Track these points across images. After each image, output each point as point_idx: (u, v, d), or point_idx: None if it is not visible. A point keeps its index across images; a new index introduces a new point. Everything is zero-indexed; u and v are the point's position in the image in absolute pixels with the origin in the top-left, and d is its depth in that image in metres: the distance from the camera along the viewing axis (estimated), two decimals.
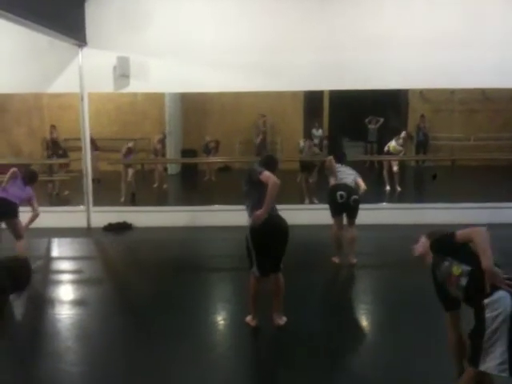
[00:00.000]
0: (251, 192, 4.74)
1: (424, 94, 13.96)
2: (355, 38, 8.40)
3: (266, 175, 4.59)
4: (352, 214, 6.66)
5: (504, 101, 13.38)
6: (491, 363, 3.01)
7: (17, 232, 6.39)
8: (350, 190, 6.55)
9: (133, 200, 10.40)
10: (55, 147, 11.70)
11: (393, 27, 8.37)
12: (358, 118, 13.92)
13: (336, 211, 6.67)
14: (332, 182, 6.75)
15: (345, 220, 6.76)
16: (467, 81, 8.45)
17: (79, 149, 9.16)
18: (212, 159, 12.64)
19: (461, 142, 13.70)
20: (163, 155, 12.46)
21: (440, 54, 8.27)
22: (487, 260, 3.02)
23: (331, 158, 6.95)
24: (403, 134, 11.50)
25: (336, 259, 6.74)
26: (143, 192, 10.92)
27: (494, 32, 8.33)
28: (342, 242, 6.75)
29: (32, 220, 6.57)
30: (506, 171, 12.43)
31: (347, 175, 6.73)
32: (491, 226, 7.96)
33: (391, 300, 5.73)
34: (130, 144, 10.82)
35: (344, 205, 6.55)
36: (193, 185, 12.86)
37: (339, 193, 6.50)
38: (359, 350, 4.73)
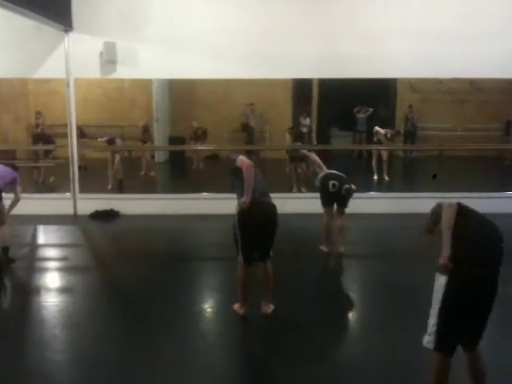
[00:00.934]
0: (236, 182, 4.73)
1: (413, 84, 13.99)
2: (350, 27, 8.35)
3: (240, 159, 4.66)
4: (343, 203, 6.64)
5: (492, 91, 13.44)
6: (425, 337, 3.18)
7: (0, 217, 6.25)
8: (342, 179, 6.54)
9: (120, 187, 10.31)
10: (40, 133, 11.58)
11: (388, 17, 8.34)
12: (346, 108, 13.91)
13: (328, 201, 6.64)
14: (320, 172, 6.72)
15: (334, 209, 6.75)
16: (460, 70, 8.45)
17: (65, 135, 9.05)
18: (200, 147, 12.56)
19: (449, 132, 13.75)
20: (151, 142, 12.35)
21: (433, 44, 8.25)
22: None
23: (312, 153, 6.98)
24: (391, 131, 11.50)
25: (324, 248, 6.73)
26: (130, 179, 10.82)
27: (491, 22, 8.31)
28: (332, 231, 6.74)
29: (13, 205, 6.38)
30: (494, 161, 12.51)
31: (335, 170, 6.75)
32: None
33: (380, 288, 5.74)
34: (103, 139, 10.70)
35: (336, 194, 6.52)
36: (180, 172, 12.77)
37: (331, 182, 6.48)
38: (347, 338, 4.75)
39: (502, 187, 9.23)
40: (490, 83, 11.70)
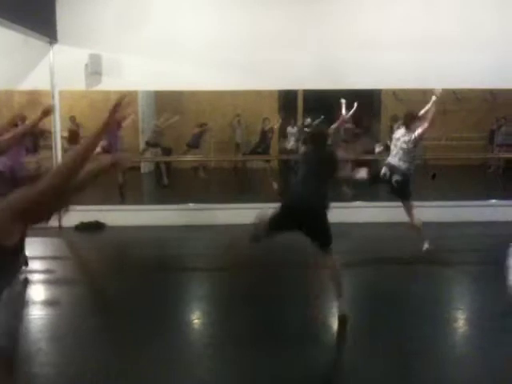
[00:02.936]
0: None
1: (397, 95, 14.13)
2: (337, 39, 8.42)
3: None
4: (395, 192, 6.77)
5: (475, 101, 13.62)
6: None
7: None
8: (393, 169, 6.67)
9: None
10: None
11: (376, 27, 8.40)
12: (332, 117, 13.97)
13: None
14: None
15: None
16: (443, 81, 8.49)
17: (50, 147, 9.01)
18: (187, 158, 12.57)
19: (433, 141, 13.90)
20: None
21: (417, 55, 8.34)
22: None
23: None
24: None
25: None
26: (115, 191, 10.76)
27: (476, 34, 8.38)
28: None
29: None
30: (478, 170, 12.64)
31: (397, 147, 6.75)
32: (463, 225, 8.03)
33: (379, 298, 5.76)
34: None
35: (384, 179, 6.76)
36: (166, 183, 12.73)
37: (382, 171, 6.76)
38: (341, 347, 4.76)
39: (486, 195, 9.32)
40: (472, 93, 11.86)
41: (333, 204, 4.96)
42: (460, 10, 8.51)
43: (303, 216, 4.83)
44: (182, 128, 13.39)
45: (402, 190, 6.64)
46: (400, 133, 6.79)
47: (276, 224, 4.94)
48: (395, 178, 6.58)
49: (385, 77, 8.56)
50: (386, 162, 6.82)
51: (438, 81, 8.50)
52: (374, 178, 6.70)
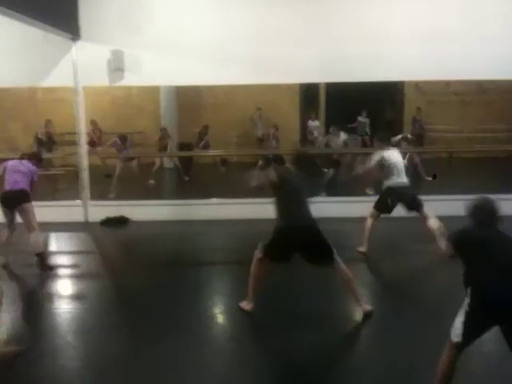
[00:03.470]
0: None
1: (420, 87, 13.99)
2: (354, 31, 8.32)
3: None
4: (412, 208, 6.66)
5: (500, 92, 13.39)
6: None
7: (28, 222, 6.30)
8: (402, 192, 6.58)
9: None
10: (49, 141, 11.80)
11: (391, 20, 8.33)
12: (354, 111, 13.92)
13: (381, 209, 6.73)
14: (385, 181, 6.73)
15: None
16: (464, 73, 8.42)
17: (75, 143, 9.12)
18: (209, 153, 12.62)
19: (458, 133, 13.75)
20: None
21: (438, 46, 8.21)
22: None
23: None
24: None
25: (362, 248, 6.72)
26: (139, 186, 10.85)
27: (495, 24, 8.25)
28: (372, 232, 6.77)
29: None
30: (504, 162, 12.40)
31: (399, 166, 6.66)
32: None
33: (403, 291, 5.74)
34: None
35: (391, 208, 6.68)
36: (189, 178, 12.80)
37: (390, 200, 6.61)
38: (360, 337, 4.75)
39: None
40: (496, 84, 11.66)
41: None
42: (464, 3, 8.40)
43: (304, 236, 4.70)
44: (202, 122, 13.44)
45: (415, 202, 6.63)
46: (395, 154, 6.79)
47: (274, 251, 4.76)
48: (405, 198, 6.57)
49: (404, 68, 8.44)
50: (386, 187, 6.67)
51: (459, 72, 8.43)
52: (383, 208, 6.70)
